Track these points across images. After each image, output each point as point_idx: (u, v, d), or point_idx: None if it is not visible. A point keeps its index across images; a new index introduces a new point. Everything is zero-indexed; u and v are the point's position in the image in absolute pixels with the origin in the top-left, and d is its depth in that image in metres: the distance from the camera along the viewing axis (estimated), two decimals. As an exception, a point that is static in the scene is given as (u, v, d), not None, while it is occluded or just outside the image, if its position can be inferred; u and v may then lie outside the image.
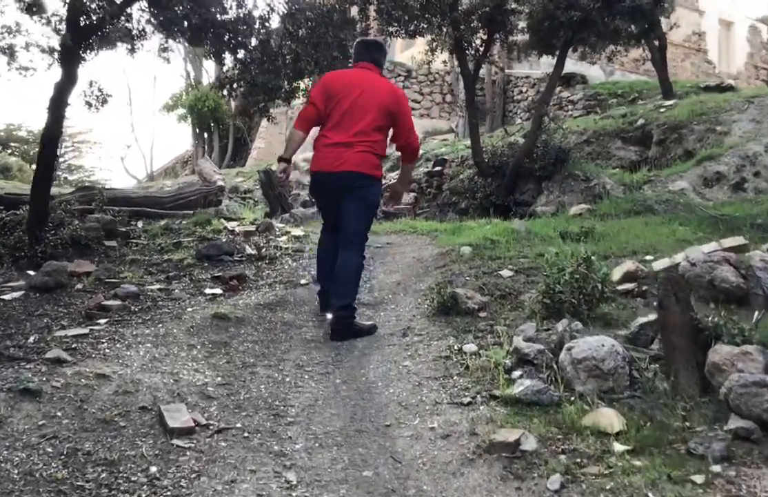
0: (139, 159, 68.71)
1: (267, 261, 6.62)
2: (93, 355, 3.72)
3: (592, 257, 4.48)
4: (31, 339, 3.97)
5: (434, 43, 9.46)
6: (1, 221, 7.40)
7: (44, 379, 3.28)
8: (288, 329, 4.61)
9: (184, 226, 8.49)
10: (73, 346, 3.84)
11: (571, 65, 21.47)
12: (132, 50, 7.22)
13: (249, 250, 6.93)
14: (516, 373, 3.57)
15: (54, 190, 10.91)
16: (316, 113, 4.81)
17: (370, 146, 4.71)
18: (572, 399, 3.25)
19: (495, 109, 21.97)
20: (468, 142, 12.99)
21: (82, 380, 3.33)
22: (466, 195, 9.86)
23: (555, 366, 3.53)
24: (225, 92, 7.23)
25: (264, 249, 7.09)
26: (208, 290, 5.46)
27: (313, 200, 5.34)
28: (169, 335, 4.24)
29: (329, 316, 4.65)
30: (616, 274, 5.01)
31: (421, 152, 13.28)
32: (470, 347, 3.97)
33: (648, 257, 5.41)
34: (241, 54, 7.38)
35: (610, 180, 8.53)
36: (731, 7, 30.06)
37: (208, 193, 9.92)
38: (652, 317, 3.86)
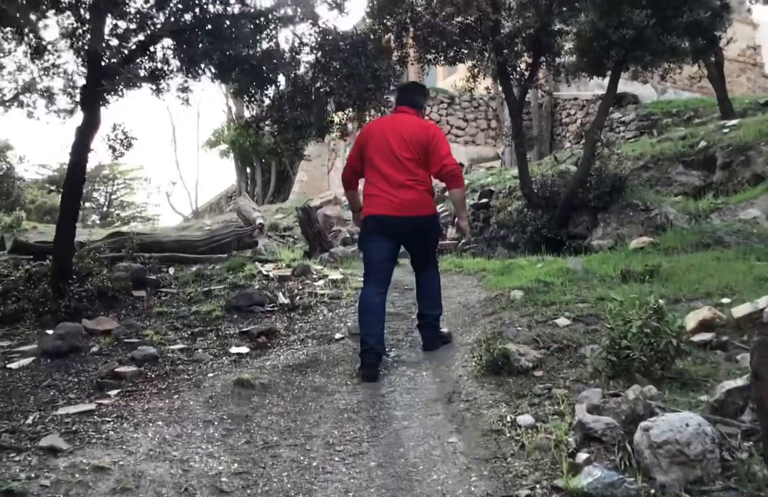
0: (185, 195, 69.46)
1: (300, 311, 6.21)
2: (94, 440, 3.32)
3: (663, 306, 3.92)
4: (30, 419, 3.59)
5: (476, 69, 9.01)
6: (27, 273, 7.17)
7: (33, 475, 2.88)
8: (318, 396, 4.15)
9: (216, 272, 8.18)
10: (74, 428, 3.45)
11: (622, 85, 20.73)
12: (158, 91, 6.93)
13: (281, 299, 6.53)
14: (582, 455, 3.03)
15: (84, 236, 10.74)
16: (354, 171, 5.13)
17: (422, 186, 4.86)
18: (652, 491, 2.71)
19: (542, 135, 21.39)
20: (515, 171, 12.47)
21: (76, 475, 2.91)
22: (515, 228, 9.33)
23: (629, 447, 2.99)
24: (252, 131, 6.88)
25: (298, 297, 6.69)
26: (233, 349, 5.05)
27: (364, 247, 5.08)
28: (185, 408, 3.82)
29: (429, 347, 4.95)
30: (690, 322, 4.44)
31: (466, 182, 12.82)
32: (526, 419, 3.46)
33: (724, 300, 4.83)
34: (269, 90, 7.05)
35: (673, 209, 7.92)
36: (789, 18, 28.93)
37: (242, 234, 9.60)
38: (741, 382, 3.29)
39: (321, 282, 7.46)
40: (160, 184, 74.35)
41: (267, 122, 6.67)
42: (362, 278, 5.08)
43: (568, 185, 8.77)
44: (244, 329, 5.57)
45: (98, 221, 42.33)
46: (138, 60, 6.96)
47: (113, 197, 44.09)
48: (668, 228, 7.57)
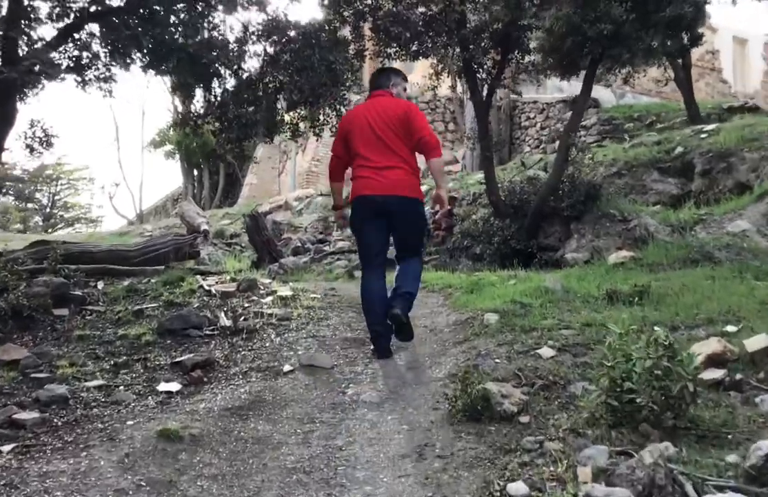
0: (129, 198, 67.65)
1: (244, 336, 5.51)
2: (-35, 526, 2.59)
3: (673, 342, 3.36)
4: None
5: (440, 66, 8.42)
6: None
7: None
8: (262, 450, 3.48)
9: (151, 287, 7.42)
10: (-59, 508, 2.72)
11: (579, 88, 20.65)
12: (83, 83, 6.17)
13: (223, 320, 5.82)
14: (596, 545, 2.43)
15: (1, 244, 9.82)
16: (340, 162, 5.26)
17: (406, 166, 4.99)
18: None
19: (501, 138, 20.95)
20: (479, 176, 11.95)
21: None
22: (481, 239, 8.77)
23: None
24: (188, 130, 6.15)
25: (242, 318, 5.99)
26: (162, 386, 4.34)
27: (355, 231, 5.34)
28: (93, 471, 3.11)
29: (396, 310, 4.89)
30: (697, 356, 3.88)
31: (424, 188, 12.23)
32: (518, 487, 2.84)
33: (730, 328, 4.31)
34: (214, 84, 6.35)
35: (653, 220, 7.44)
36: (745, 24, 29.20)
37: (182, 244, 8.82)
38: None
39: (269, 299, 6.76)
40: (104, 185, 72.25)
41: (208, 120, 5.95)
42: (360, 267, 5.45)
43: (538, 193, 8.24)
44: (177, 359, 4.86)
45: (41, 223, 41.49)
46: (61, 48, 6.20)
47: (57, 198, 42.47)
48: (649, 241, 7.08)
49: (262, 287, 7.40)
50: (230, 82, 6.06)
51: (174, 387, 4.30)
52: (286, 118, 6.90)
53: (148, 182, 76.38)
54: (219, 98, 5.92)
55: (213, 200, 29.79)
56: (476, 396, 3.64)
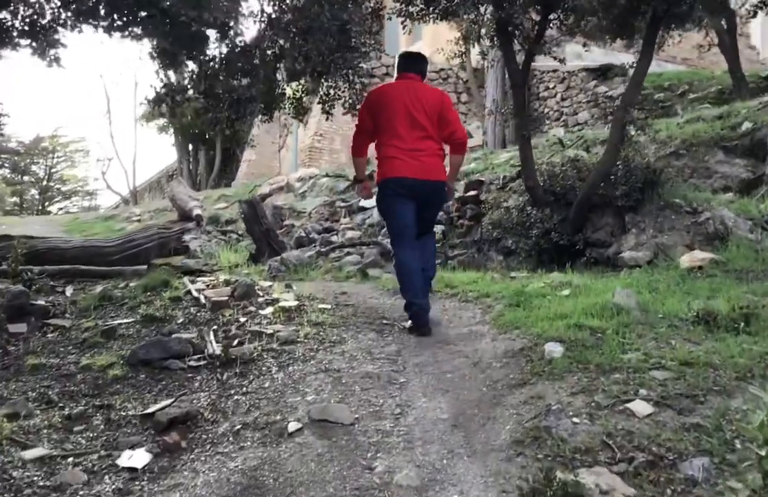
0: (122, 173, 66.57)
1: (238, 368, 4.47)
2: None
3: None
4: None
5: (473, 27, 7.32)
6: None
7: None
8: None
9: (129, 292, 6.44)
10: None
11: (602, 55, 19.40)
12: (41, 53, 5.11)
13: (211, 346, 4.78)
14: None
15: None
16: (367, 136, 5.40)
17: (438, 151, 5.26)
18: None
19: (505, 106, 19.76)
20: (505, 155, 10.87)
21: None
22: (516, 231, 7.70)
23: None
24: (165, 109, 5.07)
25: (236, 341, 4.96)
26: (125, 458, 3.31)
27: (387, 210, 5.42)
28: None
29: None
30: None
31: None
32: None
33: None
34: (200, 51, 5.27)
35: (730, 212, 6.36)
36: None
37: (167, 238, 7.78)
38: None
39: (269, 311, 5.76)
40: (100, 158, 71.26)
41: (190, 96, 4.87)
42: (391, 244, 5.69)
43: (586, 179, 7.15)
44: (150, 411, 3.82)
45: (37, 197, 41.99)
46: (11, 7, 5.14)
47: (53, 171, 42.59)
48: (728, 239, 6.02)
49: (260, 293, 6.42)
50: (219, 49, 4.98)
51: (140, 459, 3.27)
52: (288, 91, 5.82)
53: (143, 157, 74.81)
54: (206, 69, 4.83)
55: (209, 177, 28.68)
56: (565, 493, 2.62)
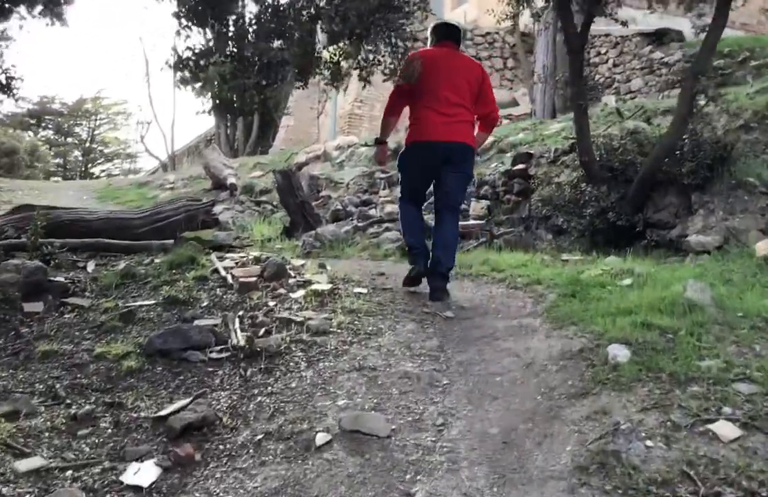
0: (160, 138, 66.97)
1: (263, 363, 4.09)
2: None
3: None
4: None
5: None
6: None
7: None
8: None
9: (153, 269, 6.13)
10: None
11: (656, 19, 18.52)
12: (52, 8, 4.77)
13: (235, 337, 4.40)
14: None
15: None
16: (404, 97, 5.38)
17: (470, 119, 5.39)
18: None
19: (567, 76, 19.03)
20: (556, 125, 10.31)
21: None
22: (568, 209, 7.20)
23: None
24: (181, 79, 4.59)
25: (263, 329, 4.59)
26: (130, 474, 2.94)
27: (404, 171, 5.64)
28: None
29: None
30: None
31: (490, 139, 10.61)
32: None
33: None
34: (229, 9, 4.84)
35: (811, 194, 5.79)
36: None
37: (196, 212, 7.44)
38: None
39: (300, 294, 5.39)
40: (140, 121, 71.87)
41: (215, 60, 4.46)
42: (399, 195, 5.85)
43: (649, 154, 6.61)
44: (163, 413, 3.46)
45: (80, 158, 43.05)
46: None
47: (96, 133, 43.39)
48: (811, 224, 5.47)
49: (292, 274, 6.05)
50: (250, 7, 4.55)
51: (147, 475, 2.91)
52: (325, 55, 5.39)
53: (182, 121, 75.06)
54: (234, 29, 4.41)
55: (247, 142, 28.37)
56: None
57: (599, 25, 18.99)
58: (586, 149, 6.96)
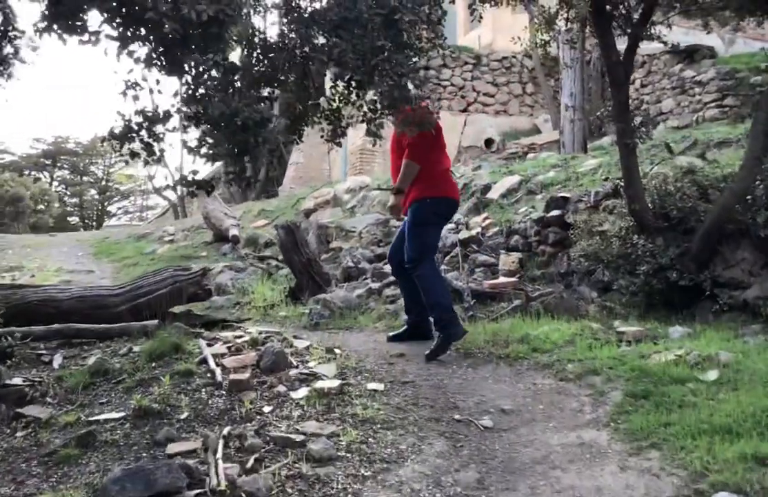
0: (169, 177, 66.79)
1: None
2: None
3: None
4: None
5: (563, 7, 5.90)
6: None
7: None
8: None
9: (129, 362, 5.30)
10: None
11: (681, 35, 17.59)
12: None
13: (216, 476, 3.48)
14: None
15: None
16: (431, 143, 5.35)
17: None
18: None
19: (592, 101, 18.09)
20: (590, 162, 9.38)
21: None
22: (616, 265, 6.26)
23: None
24: (130, 152, 3.66)
25: (252, 458, 3.68)
26: None
27: (433, 227, 5.50)
28: None
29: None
30: None
31: (516, 179, 9.70)
32: None
33: None
34: (217, 54, 3.98)
35: None
36: None
37: (184, 283, 6.55)
38: None
39: (303, 394, 4.52)
40: (148, 160, 71.92)
41: (176, 123, 3.57)
42: (418, 260, 5.47)
43: (716, 201, 5.67)
44: None
45: (97, 197, 43.84)
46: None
47: (111, 170, 44.18)
48: None
49: (294, 362, 5.20)
50: (215, 57, 3.66)
51: None
52: (322, 104, 4.52)
53: (190, 159, 74.50)
54: (200, 77, 3.55)
55: (254, 182, 27.54)
56: None
57: (622, 44, 18.19)
58: (636, 196, 6.02)
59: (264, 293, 8.32)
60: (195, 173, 3.56)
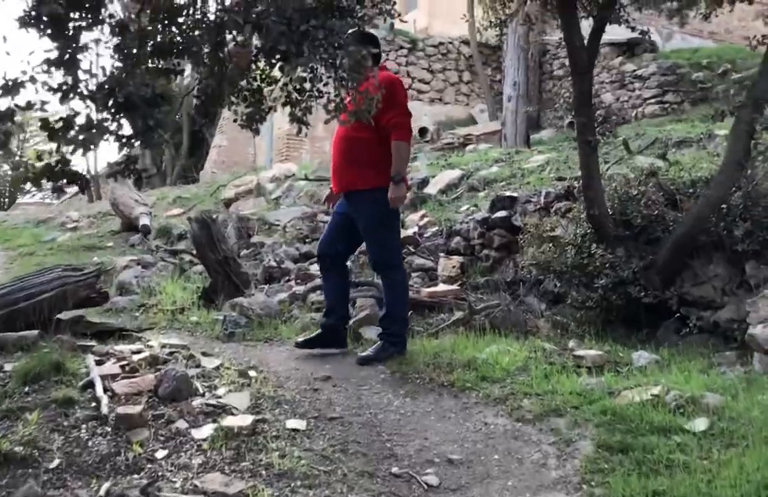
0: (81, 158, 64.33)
1: None
2: None
3: None
4: None
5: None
6: None
7: None
8: None
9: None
10: None
11: (623, 29, 17.37)
12: None
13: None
14: None
15: None
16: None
17: None
18: None
19: (529, 92, 17.65)
20: (537, 158, 8.82)
21: None
22: (571, 276, 5.69)
23: None
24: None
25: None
26: None
27: (396, 222, 5.03)
28: None
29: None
30: None
31: (457, 173, 9.08)
32: None
33: None
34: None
35: None
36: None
37: (75, 285, 5.67)
38: None
39: (207, 433, 3.77)
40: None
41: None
42: (391, 264, 5.03)
43: (690, 210, 5.12)
44: None
45: (9, 174, 40.71)
46: None
47: (27, 145, 40.70)
48: None
49: (200, 388, 4.44)
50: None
51: None
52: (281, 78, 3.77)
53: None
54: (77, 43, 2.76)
55: (175, 166, 26.33)
56: None
57: (557, 32, 17.80)
58: (596, 200, 5.43)
59: (174, 294, 7.48)
60: (66, 162, 2.77)
